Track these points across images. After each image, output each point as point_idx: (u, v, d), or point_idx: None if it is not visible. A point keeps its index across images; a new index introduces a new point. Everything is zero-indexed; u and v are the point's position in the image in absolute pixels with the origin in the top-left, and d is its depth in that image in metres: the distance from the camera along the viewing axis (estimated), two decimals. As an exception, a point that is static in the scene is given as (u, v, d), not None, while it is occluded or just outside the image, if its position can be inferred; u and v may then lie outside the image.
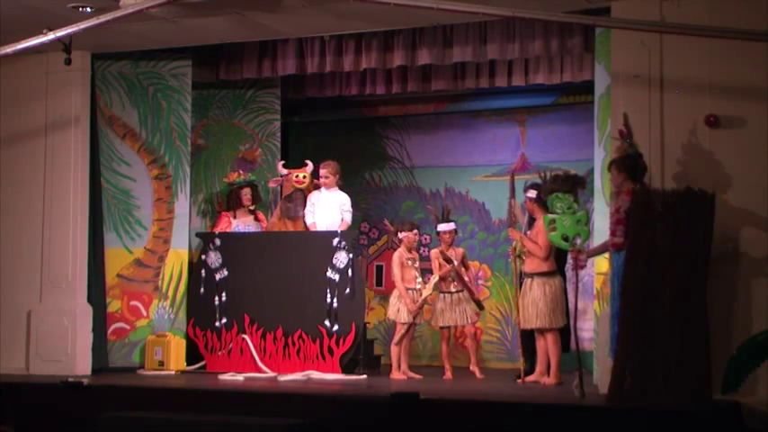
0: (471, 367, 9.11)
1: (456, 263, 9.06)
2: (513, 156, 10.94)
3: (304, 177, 9.82)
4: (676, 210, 6.74)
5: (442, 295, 9.10)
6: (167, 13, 8.15)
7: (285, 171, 9.93)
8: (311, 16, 8.37)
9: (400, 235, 9.22)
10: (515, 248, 8.60)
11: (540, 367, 8.44)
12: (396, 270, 9.11)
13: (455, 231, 9.31)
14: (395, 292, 9.16)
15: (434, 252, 9.23)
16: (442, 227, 9.20)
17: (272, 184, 10.20)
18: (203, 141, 10.43)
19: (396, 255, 9.19)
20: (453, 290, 9.08)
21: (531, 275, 8.33)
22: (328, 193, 9.59)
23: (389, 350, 9.21)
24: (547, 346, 8.30)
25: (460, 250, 9.34)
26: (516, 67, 9.79)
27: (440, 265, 9.08)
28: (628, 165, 7.12)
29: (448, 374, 9.03)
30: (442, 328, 9.17)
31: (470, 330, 9.18)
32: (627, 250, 6.85)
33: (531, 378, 8.46)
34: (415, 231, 9.26)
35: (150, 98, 9.78)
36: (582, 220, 7.38)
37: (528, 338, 8.73)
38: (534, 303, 8.25)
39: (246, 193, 9.93)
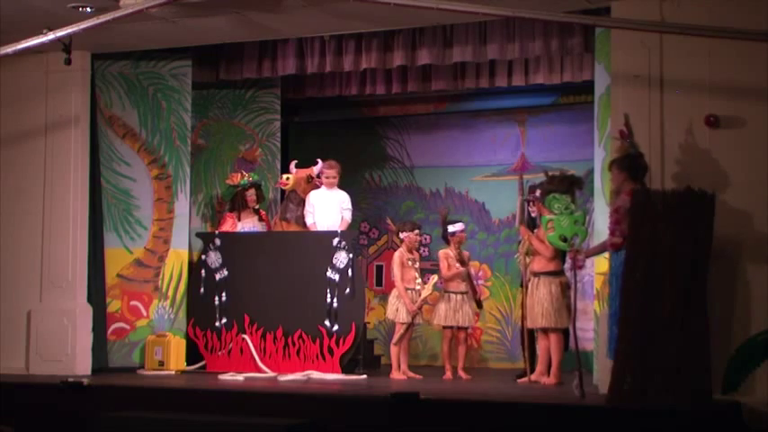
0: (459, 371, 9.08)
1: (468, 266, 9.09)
2: (513, 156, 10.95)
3: (287, 179, 9.85)
4: (676, 210, 6.73)
5: (446, 295, 9.09)
6: (167, 13, 8.15)
7: (295, 171, 9.90)
8: (311, 16, 8.37)
9: (402, 235, 9.22)
10: (524, 247, 8.51)
11: (540, 367, 8.43)
12: (396, 270, 9.10)
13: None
14: (393, 292, 9.17)
15: (443, 252, 9.20)
16: (457, 227, 9.16)
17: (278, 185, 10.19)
18: (203, 141, 10.43)
19: (396, 254, 9.19)
20: (462, 290, 9.06)
21: (538, 275, 8.29)
22: (329, 193, 9.59)
23: (389, 350, 9.21)
24: (549, 346, 8.27)
25: (466, 253, 9.32)
26: (516, 67, 9.79)
27: (449, 265, 9.07)
28: (629, 164, 7.11)
29: (448, 374, 9.02)
30: (444, 327, 9.16)
31: (463, 335, 9.16)
32: (627, 250, 6.84)
33: (532, 377, 8.45)
34: (417, 232, 9.25)
35: (150, 98, 9.78)
36: (579, 220, 7.39)
37: (530, 338, 8.73)
38: (540, 303, 8.21)
39: (251, 194, 9.95)
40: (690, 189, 6.82)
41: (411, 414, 6.82)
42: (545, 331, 8.29)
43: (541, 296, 8.22)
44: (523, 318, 8.54)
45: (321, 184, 9.70)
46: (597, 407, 6.69)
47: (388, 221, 9.93)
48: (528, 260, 8.48)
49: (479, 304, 9.39)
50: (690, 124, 7.29)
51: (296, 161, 9.99)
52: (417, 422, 6.80)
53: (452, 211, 9.53)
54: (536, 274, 8.32)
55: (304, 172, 9.85)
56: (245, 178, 9.97)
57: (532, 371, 8.66)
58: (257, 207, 10.01)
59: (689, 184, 6.89)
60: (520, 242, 8.97)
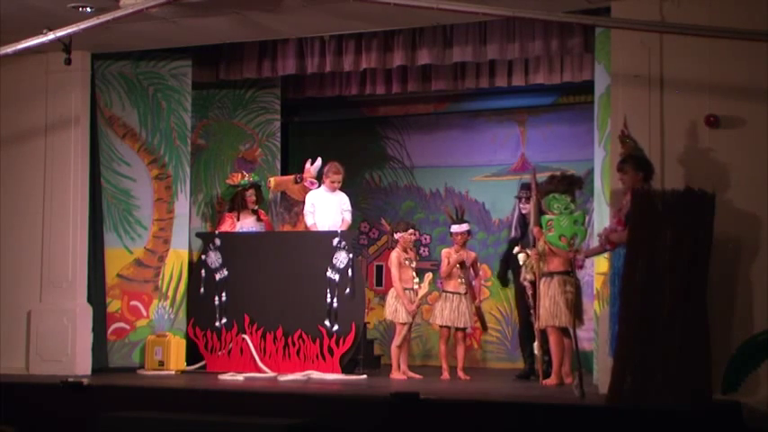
0: (458, 372, 9.06)
1: (467, 263, 9.06)
2: (513, 156, 10.95)
3: (269, 182, 9.94)
4: (676, 210, 6.73)
5: (444, 295, 9.08)
6: (167, 13, 8.15)
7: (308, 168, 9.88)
8: (311, 16, 8.37)
9: (396, 236, 9.22)
10: (537, 248, 8.24)
11: (555, 367, 8.26)
12: (394, 270, 9.10)
13: (468, 233, 9.27)
14: (391, 292, 9.16)
15: (446, 251, 9.17)
16: (454, 228, 9.17)
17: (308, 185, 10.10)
18: (203, 141, 10.43)
19: (393, 255, 9.18)
20: (461, 291, 9.04)
21: (552, 275, 8.11)
22: (329, 194, 9.58)
23: (389, 350, 9.21)
24: (565, 345, 8.16)
25: (473, 254, 9.29)
26: (516, 67, 9.79)
27: (447, 264, 9.05)
28: (645, 164, 7.11)
29: (445, 374, 9.00)
30: (441, 327, 9.14)
31: (461, 335, 9.15)
32: (627, 250, 6.84)
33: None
34: (411, 231, 9.25)
35: (150, 98, 9.78)
36: (579, 220, 7.39)
37: (528, 338, 8.71)
38: (555, 302, 8.11)
39: (251, 194, 9.95)
40: (690, 189, 6.82)
41: (411, 414, 6.82)
42: (564, 331, 8.16)
43: (556, 295, 8.10)
44: (536, 317, 8.35)
45: (314, 184, 9.66)
46: (597, 407, 6.69)
47: (383, 222, 9.94)
48: (542, 263, 8.20)
49: (484, 326, 9.41)
50: (690, 124, 7.30)
51: (310, 160, 9.93)
52: (417, 422, 6.80)
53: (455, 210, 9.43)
54: (550, 274, 8.13)
55: (310, 173, 9.84)
56: (245, 179, 9.97)
57: (530, 372, 8.67)
58: (256, 208, 10.01)
59: (689, 184, 6.90)
60: (517, 243, 8.89)
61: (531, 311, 8.58)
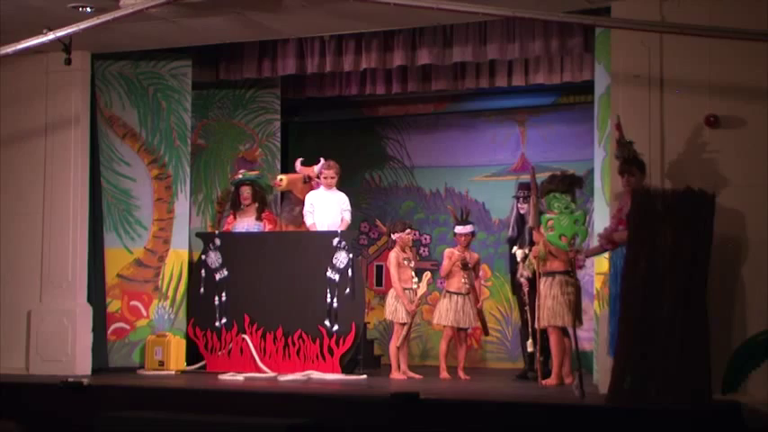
0: (459, 372, 9.06)
1: (470, 264, 9.05)
2: (513, 156, 10.95)
3: (281, 180, 9.87)
4: (676, 210, 6.74)
5: (449, 295, 9.07)
6: (167, 13, 8.15)
7: (300, 169, 9.87)
8: (311, 16, 8.37)
9: (394, 236, 9.22)
10: (539, 251, 8.11)
11: (555, 367, 8.23)
12: (393, 271, 9.10)
13: (472, 234, 9.26)
14: (391, 292, 9.15)
15: (449, 251, 9.16)
16: (458, 229, 9.16)
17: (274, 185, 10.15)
18: (203, 141, 10.43)
19: (392, 256, 9.17)
20: (464, 291, 9.03)
21: (553, 274, 8.06)
22: (328, 194, 9.58)
23: (389, 350, 9.20)
24: (565, 344, 8.14)
25: (476, 255, 9.29)
26: (516, 67, 9.79)
27: (449, 263, 9.05)
28: (644, 166, 7.16)
29: (444, 374, 9.00)
30: (445, 327, 9.12)
31: (463, 335, 9.14)
32: (627, 250, 6.85)
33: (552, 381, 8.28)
34: (408, 231, 9.24)
35: (150, 98, 9.78)
36: (580, 219, 7.38)
37: (525, 336, 8.71)
38: (558, 301, 8.03)
39: (244, 192, 9.91)
40: (690, 189, 6.82)
41: (411, 414, 6.82)
42: (563, 331, 8.14)
43: (557, 295, 8.01)
44: (536, 319, 8.31)
45: (319, 184, 9.67)
46: (597, 407, 6.69)
47: (377, 223, 9.94)
48: (541, 264, 8.14)
49: (485, 329, 9.39)
50: (690, 124, 7.30)
51: (302, 159, 9.94)
52: (417, 422, 6.79)
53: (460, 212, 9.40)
54: (551, 274, 8.07)
55: (304, 171, 9.83)
56: (240, 175, 9.96)
57: (528, 372, 8.68)
58: (258, 206, 9.95)
59: (689, 184, 6.90)
60: (515, 242, 8.89)
61: (526, 308, 8.61)
